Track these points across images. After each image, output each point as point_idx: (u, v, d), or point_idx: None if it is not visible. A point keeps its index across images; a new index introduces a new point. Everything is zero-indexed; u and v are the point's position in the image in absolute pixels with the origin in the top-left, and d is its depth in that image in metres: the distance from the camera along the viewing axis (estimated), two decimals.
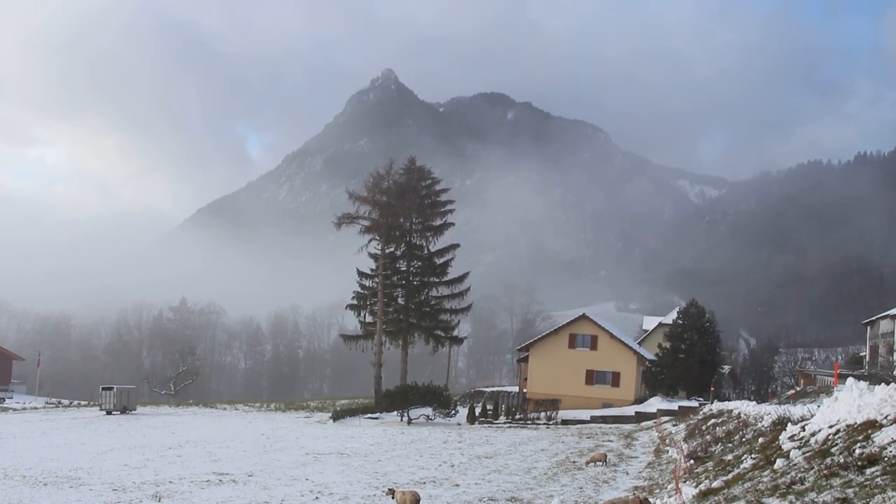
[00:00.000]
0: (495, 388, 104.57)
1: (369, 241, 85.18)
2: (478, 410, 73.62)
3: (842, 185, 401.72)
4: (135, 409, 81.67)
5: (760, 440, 27.63)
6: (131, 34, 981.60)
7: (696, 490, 21.04)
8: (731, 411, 45.60)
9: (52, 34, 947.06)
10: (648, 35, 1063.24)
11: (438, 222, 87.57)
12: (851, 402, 21.27)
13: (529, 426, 66.26)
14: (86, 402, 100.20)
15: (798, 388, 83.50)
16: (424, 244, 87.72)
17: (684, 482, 24.08)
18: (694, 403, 72.52)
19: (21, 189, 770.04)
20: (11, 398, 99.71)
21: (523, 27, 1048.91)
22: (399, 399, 74.42)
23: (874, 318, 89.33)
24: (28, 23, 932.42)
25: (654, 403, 75.69)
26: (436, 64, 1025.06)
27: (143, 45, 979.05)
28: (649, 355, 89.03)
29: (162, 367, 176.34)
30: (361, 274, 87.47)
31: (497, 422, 70.52)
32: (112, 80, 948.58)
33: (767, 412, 35.11)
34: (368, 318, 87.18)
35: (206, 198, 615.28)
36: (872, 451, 16.02)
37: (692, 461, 31.09)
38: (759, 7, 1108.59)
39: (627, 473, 34.68)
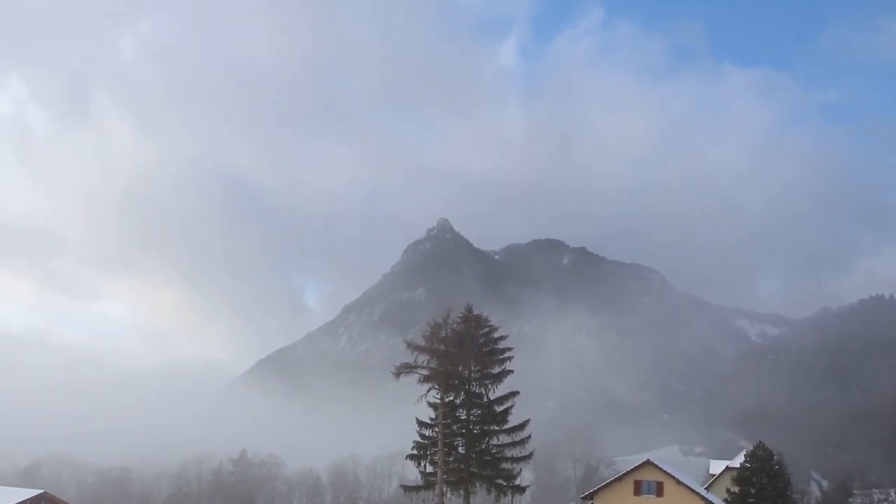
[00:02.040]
0: None
1: (428, 391, 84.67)
2: None
3: None
4: None
5: None
6: (188, 189, 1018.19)
7: None
8: None
9: (111, 192, 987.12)
10: (697, 173, 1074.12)
11: (497, 370, 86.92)
12: None
13: None
14: None
15: None
16: (484, 392, 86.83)
17: None
18: None
19: (83, 343, 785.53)
20: None
21: (573, 170, 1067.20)
22: None
23: None
24: (93, 181, 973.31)
25: None
26: (490, 211, 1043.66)
27: (200, 201, 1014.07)
28: (718, 501, 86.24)
29: None
30: (421, 423, 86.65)
31: None
32: (169, 235, 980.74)
33: None
34: (429, 469, 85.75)
35: (265, 349, 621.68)
36: None
37: None
38: (805, 140, 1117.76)
39: None
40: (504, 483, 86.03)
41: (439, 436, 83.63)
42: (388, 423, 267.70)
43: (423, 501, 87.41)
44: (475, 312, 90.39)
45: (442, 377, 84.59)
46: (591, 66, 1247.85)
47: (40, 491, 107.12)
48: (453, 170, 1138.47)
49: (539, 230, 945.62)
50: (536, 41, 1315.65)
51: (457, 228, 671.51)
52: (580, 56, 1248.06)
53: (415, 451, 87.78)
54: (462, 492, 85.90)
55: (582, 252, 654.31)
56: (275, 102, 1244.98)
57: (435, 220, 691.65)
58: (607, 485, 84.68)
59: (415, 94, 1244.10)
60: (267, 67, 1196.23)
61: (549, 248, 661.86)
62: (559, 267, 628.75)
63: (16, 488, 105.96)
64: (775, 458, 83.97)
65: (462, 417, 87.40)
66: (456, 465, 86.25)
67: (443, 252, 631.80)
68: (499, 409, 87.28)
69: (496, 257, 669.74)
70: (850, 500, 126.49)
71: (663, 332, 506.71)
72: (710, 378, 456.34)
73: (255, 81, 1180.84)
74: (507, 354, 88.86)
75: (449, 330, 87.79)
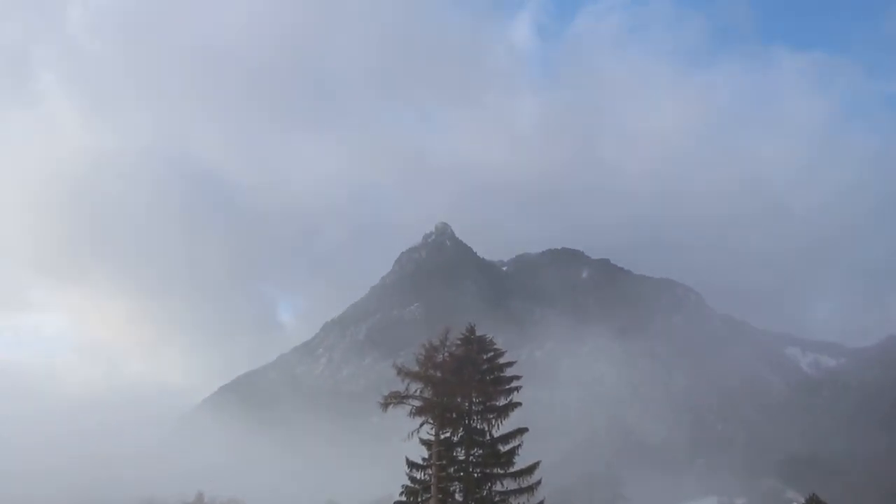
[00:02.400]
0: None
1: (421, 425, 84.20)
2: None
3: None
4: None
5: None
6: (145, 184, 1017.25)
7: None
8: None
9: (55, 186, 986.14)
10: (741, 174, 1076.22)
11: (503, 402, 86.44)
12: None
13: None
14: None
15: None
16: (486, 428, 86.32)
17: None
18: None
19: (14, 363, 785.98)
20: None
21: (596, 170, 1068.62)
22: None
23: None
24: (29, 170, 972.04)
25: None
26: (497, 215, 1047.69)
27: (159, 197, 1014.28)
28: None
29: None
30: (412, 464, 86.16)
31: None
32: (121, 238, 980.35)
33: None
34: None
35: (230, 373, 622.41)
36: None
37: None
38: (868, 136, 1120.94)
39: None
40: None
41: (433, 479, 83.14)
42: (373, 462, 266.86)
43: None
44: (478, 333, 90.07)
45: (437, 410, 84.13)
46: (618, 47, 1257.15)
47: None
48: (456, 166, 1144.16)
49: (554, 238, 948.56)
50: (555, 18, 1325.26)
51: (458, 234, 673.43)
52: (606, 36, 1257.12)
53: (403, 498, 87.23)
54: None
55: (604, 264, 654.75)
56: (250, 85, 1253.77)
57: (433, 224, 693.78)
58: None
59: (413, 79, 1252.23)
60: (242, 43, 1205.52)
61: (566, 259, 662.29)
62: (577, 281, 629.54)
63: None
64: None
65: (460, 458, 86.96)
66: None
67: (441, 262, 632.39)
68: (504, 448, 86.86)
69: (503, 269, 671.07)
70: None
71: (699, 360, 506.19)
72: (753, 416, 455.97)
73: (228, 60, 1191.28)
74: (514, 384, 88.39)
75: (447, 353, 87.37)
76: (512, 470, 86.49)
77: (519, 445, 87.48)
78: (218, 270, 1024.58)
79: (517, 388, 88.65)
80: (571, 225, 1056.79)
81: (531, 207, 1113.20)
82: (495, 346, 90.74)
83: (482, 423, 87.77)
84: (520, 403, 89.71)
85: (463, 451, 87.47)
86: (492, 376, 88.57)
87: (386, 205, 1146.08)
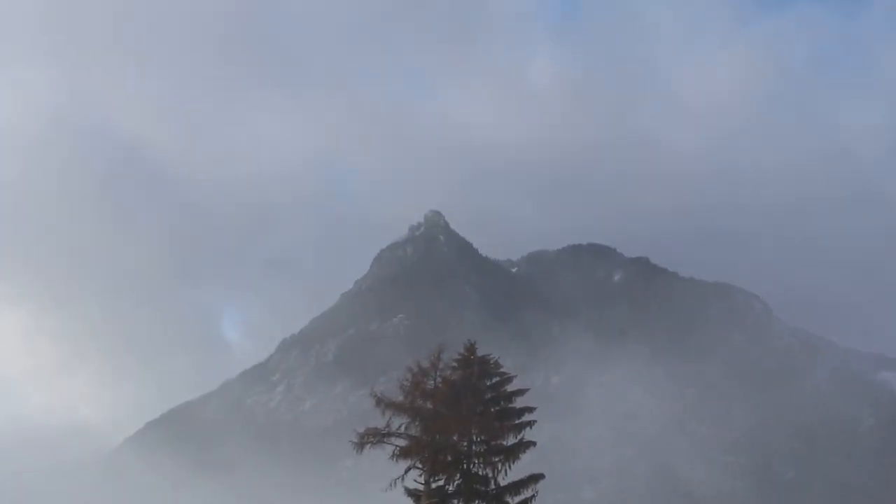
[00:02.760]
0: None
1: (407, 471, 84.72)
2: None
3: None
4: None
5: None
6: (50, 159, 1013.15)
7: None
8: None
9: None
10: (821, 150, 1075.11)
11: (511, 441, 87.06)
12: None
13: None
14: None
15: None
16: (491, 474, 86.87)
17: None
18: None
19: None
20: None
21: (633, 145, 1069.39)
22: None
23: None
24: None
25: None
26: (505, 203, 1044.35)
27: (68, 177, 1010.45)
28: None
29: None
30: None
31: None
32: (18, 231, 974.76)
33: None
34: None
35: (161, 405, 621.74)
36: None
37: None
38: None
39: None
40: None
41: None
42: None
43: None
44: (479, 353, 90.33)
45: (428, 451, 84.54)
46: None
47: None
48: (451, 140, 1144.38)
49: (578, 232, 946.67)
50: None
51: (454, 227, 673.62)
52: None
53: None
54: None
55: (641, 264, 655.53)
56: (185, 33, 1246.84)
57: (422, 213, 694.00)
58: None
59: (397, 28, 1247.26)
60: None
61: (593, 258, 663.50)
62: (607, 286, 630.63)
63: None
64: None
65: None
66: None
67: (433, 261, 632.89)
68: (513, 500, 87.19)
69: (513, 270, 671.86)
70: None
71: (764, 388, 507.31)
72: (835, 460, 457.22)
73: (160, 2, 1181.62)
74: (526, 417, 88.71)
75: (439, 379, 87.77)
76: None
77: (533, 496, 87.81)
78: (144, 272, 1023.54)
79: (530, 423, 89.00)
80: (600, 215, 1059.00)
81: (548, 193, 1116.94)
82: (502, 370, 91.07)
83: (485, 468, 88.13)
84: (534, 443, 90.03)
85: None
86: (497, 408, 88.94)
87: (362, 188, 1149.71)
